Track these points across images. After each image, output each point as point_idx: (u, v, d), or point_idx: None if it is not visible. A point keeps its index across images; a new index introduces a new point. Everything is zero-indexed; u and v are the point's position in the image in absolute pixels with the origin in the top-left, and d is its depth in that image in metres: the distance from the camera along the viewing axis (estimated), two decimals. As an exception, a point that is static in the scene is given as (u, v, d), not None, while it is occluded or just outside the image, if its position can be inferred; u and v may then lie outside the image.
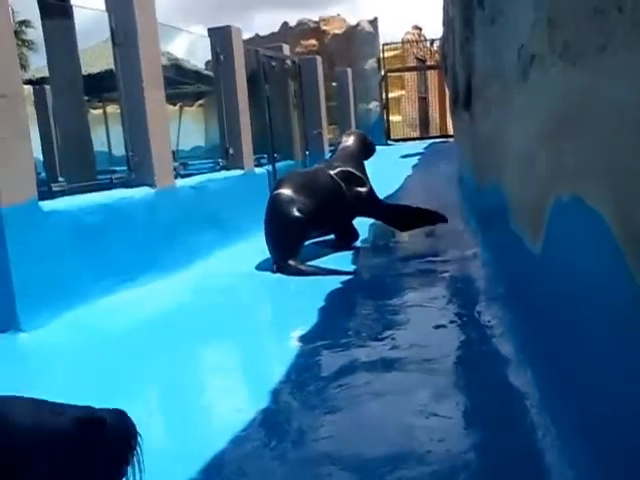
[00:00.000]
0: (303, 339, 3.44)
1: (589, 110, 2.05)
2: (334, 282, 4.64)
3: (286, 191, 5.52)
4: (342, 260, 5.39)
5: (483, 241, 5.26)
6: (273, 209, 5.50)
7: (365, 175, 6.22)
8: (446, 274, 4.72)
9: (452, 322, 3.58)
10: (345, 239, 6.08)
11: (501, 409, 2.46)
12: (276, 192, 5.55)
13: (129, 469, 1.14)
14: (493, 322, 3.43)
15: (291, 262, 5.19)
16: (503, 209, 3.95)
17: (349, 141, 6.44)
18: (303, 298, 4.38)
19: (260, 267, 5.35)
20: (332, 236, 6.10)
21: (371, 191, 6.12)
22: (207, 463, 2.21)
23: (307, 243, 5.74)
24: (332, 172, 5.92)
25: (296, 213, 5.41)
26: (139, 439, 1.16)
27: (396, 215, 6.15)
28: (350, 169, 6.02)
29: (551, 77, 2.62)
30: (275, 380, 2.90)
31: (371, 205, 6.06)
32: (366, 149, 6.54)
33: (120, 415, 1.17)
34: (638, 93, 1.59)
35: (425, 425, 2.36)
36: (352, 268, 5.10)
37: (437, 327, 3.50)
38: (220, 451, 2.28)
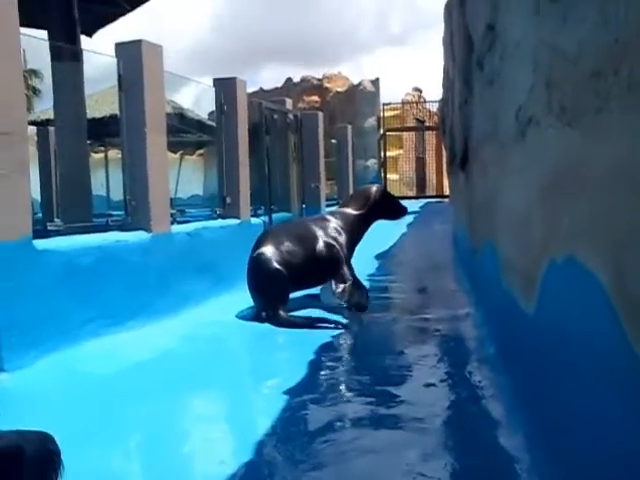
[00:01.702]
0: (290, 392, 3.37)
1: (584, 171, 2.08)
2: (324, 336, 4.59)
3: (266, 249, 5.45)
4: (333, 314, 5.35)
5: (476, 301, 5.25)
6: (254, 269, 5.45)
7: (352, 237, 5.92)
8: (437, 333, 4.68)
9: (442, 381, 3.52)
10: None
11: (490, 472, 2.40)
12: (257, 252, 5.47)
13: None
14: (484, 382, 3.38)
15: (281, 313, 5.13)
16: (497, 269, 3.96)
17: (357, 194, 6.40)
18: (292, 350, 4.33)
19: (251, 317, 5.30)
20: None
21: (339, 254, 5.72)
22: (185, 516, 2.13)
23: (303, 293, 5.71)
24: (317, 225, 5.82)
25: (277, 266, 5.33)
26: (61, 468, 1.10)
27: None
28: (335, 224, 5.86)
29: (547, 138, 2.67)
30: (260, 433, 2.83)
31: (336, 267, 5.68)
32: (378, 206, 6.16)
33: (45, 439, 1.10)
34: (632, 154, 1.62)
35: (412, 486, 2.29)
36: (343, 322, 5.06)
37: (427, 386, 3.44)
38: (199, 504, 2.20)
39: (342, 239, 5.81)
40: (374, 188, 6.58)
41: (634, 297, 1.59)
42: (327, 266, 5.63)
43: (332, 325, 4.92)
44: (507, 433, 2.68)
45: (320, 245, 5.64)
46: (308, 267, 5.52)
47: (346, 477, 2.42)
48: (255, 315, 5.27)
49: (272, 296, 5.29)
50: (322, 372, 3.81)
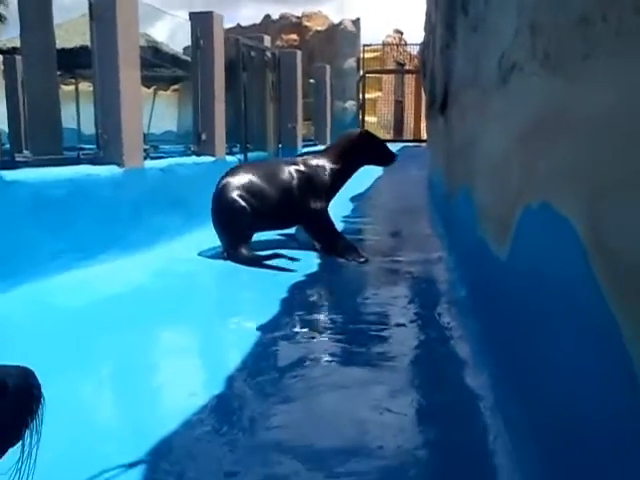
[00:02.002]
0: (262, 329, 3.40)
1: (565, 118, 2.07)
2: (298, 275, 4.61)
3: (231, 181, 5.34)
4: (305, 253, 5.36)
5: (449, 245, 5.30)
6: (216, 202, 5.35)
7: (334, 185, 5.67)
8: (409, 275, 4.74)
9: (412, 322, 3.59)
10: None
11: (455, 409, 2.47)
12: (220, 184, 5.37)
13: (27, 432, 1.07)
14: (453, 324, 3.46)
15: (242, 251, 5.07)
16: (471, 214, 3.98)
17: (341, 138, 6.01)
18: (265, 289, 4.35)
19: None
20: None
21: (322, 210, 5.54)
22: (156, 445, 2.16)
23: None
24: (293, 169, 5.56)
25: (239, 201, 5.23)
26: (42, 401, 1.09)
27: (335, 246, 5.41)
28: (315, 173, 5.57)
29: (530, 85, 2.64)
30: (231, 367, 2.86)
31: (315, 224, 5.54)
32: (362, 152, 5.82)
33: (24, 373, 1.10)
34: (618, 102, 1.61)
35: (378, 420, 2.35)
36: (315, 262, 5.08)
37: (397, 325, 3.50)
38: (170, 434, 2.24)
39: (320, 183, 5.58)
40: (359, 132, 6.26)
41: (607, 245, 1.61)
42: (300, 210, 5.49)
43: (294, 267, 4.82)
44: (473, 373, 2.76)
45: (294, 187, 5.47)
46: (279, 207, 5.40)
47: (315, 411, 2.47)
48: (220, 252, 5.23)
49: (233, 232, 5.22)
50: (294, 310, 3.85)
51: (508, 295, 2.77)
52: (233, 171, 5.55)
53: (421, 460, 2.09)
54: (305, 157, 5.94)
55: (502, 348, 2.74)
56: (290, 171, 5.55)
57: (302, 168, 5.62)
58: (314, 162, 5.69)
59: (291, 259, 4.99)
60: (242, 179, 5.38)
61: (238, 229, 5.23)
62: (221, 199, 5.32)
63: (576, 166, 1.91)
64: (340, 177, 5.75)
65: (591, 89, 1.83)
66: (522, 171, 2.63)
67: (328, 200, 5.69)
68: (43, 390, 2.31)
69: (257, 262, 4.96)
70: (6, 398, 1.04)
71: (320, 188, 5.59)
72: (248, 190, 5.31)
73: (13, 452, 1.08)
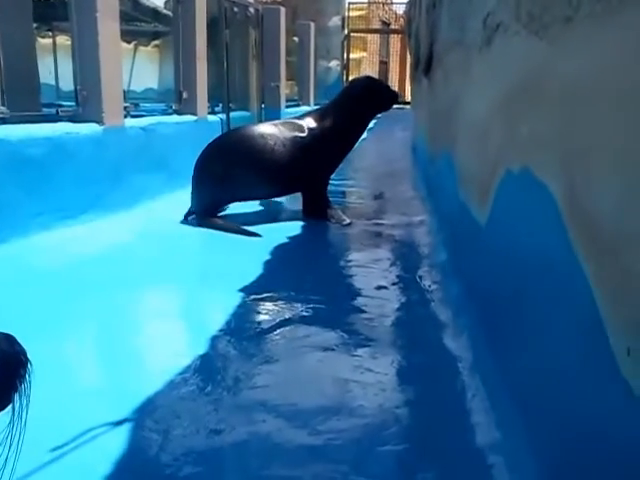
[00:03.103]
0: (244, 290, 3.42)
1: (546, 82, 2.07)
2: (281, 237, 4.62)
3: (219, 143, 5.20)
4: (284, 218, 5.36)
5: (431, 209, 5.33)
6: (200, 155, 5.17)
7: (344, 149, 5.30)
8: (391, 238, 4.77)
9: (394, 284, 3.63)
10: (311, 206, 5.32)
11: (435, 369, 2.53)
12: (209, 144, 5.20)
13: (16, 396, 1.09)
14: (434, 287, 3.51)
15: (208, 216, 4.95)
16: (453, 178, 4.00)
17: (345, 91, 5.48)
18: (247, 251, 4.35)
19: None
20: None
21: (325, 179, 5.33)
22: (140, 404, 2.19)
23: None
24: (297, 132, 5.11)
25: (214, 166, 5.01)
26: (29, 366, 1.12)
27: (321, 209, 5.26)
28: (324, 137, 5.11)
29: (513, 47, 2.63)
30: (214, 328, 2.89)
31: (313, 192, 5.30)
32: (376, 100, 5.32)
33: (9, 340, 1.11)
34: (597, 66, 1.61)
35: (360, 380, 2.40)
36: (297, 226, 5.08)
37: (378, 288, 3.54)
38: (154, 393, 2.27)
39: (328, 148, 5.16)
40: (366, 80, 5.69)
41: (583, 211, 1.64)
42: (301, 178, 5.18)
43: (252, 233, 4.70)
44: (453, 334, 2.82)
45: (298, 153, 5.05)
46: (268, 176, 5.06)
47: (297, 371, 2.51)
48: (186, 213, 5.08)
49: (201, 197, 5.05)
50: (277, 272, 3.87)
51: (488, 258, 2.82)
52: (225, 134, 5.45)
53: (401, 418, 2.14)
54: (309, 116, 5.36)
55: (481, 310, 2.79)
56: (294, 135, 5.11)
57: (308, 131, 5.14)
58: (321, 124, 5.19)
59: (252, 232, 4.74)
60: (230, 142, 5.22)
61: (207, 194, 5.03)
62: (199, 160, 5.17)
63: (555, 131, 1.93)
64: (352, 138, 5.38)
65: (573, 53, 1.83)
66: (503, 135, 2.64)
67: (336, 167, 5.43)
68: (27, 349, 2.32)
69: (221, 227, 4.83)
70: None
71: (328, 154, 5.22)
72: (233, 155, 5.05)
73: (3, 416, 1.10)
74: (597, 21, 1.61)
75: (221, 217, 5.11)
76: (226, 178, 4.98)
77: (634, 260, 1.34)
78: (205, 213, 4.99)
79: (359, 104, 5.24)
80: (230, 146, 5.19)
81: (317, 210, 5.28)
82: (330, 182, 5.53)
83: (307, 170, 5.17)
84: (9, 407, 1.09)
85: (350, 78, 18.90)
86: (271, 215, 5.45)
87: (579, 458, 1.57)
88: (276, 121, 5.60)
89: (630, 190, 1.37)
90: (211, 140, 5.34)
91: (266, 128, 5.26)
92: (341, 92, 5.59)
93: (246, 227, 4.81)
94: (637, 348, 1.31)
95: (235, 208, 5.34)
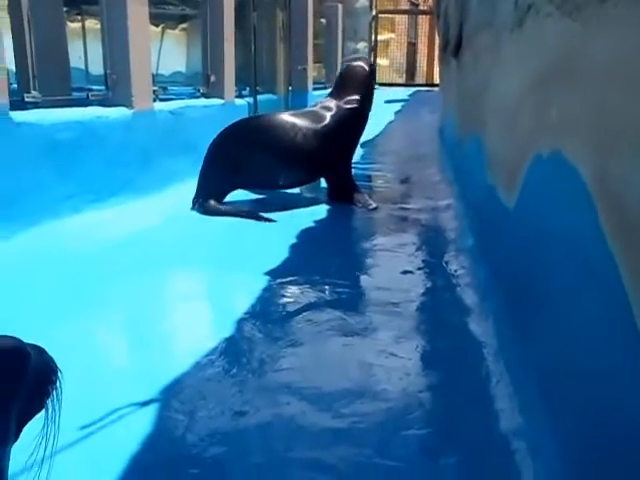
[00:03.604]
0: (271, 274, 3.45)
1: (579, 64, 2.03)
2: (307, 221, 4.63)
3: (232, 129, 5.08)
4: (310, 202, 5.36)
5: (459, 193, 5.28)
6: (213, 140, 5.11)
7: (361, 129, 5.41)
8: (418, 222, 4.75)
9: (419, 269, 3.62)
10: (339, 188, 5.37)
11: (459, 354, 2.52)
12: (225, 130, 5.11)
13: (49, 403, 1.16)
14: (460, 272, 3.48)
15: (211, 202, 4.89)
16: (481, 162, 3.96)
17: (356, 70, 5.44)
18: (275, 235, 4.37)
19: (233, 199, 5.31)
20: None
21: (349, 162, 5.37)
22: (166, 385, 2.23)
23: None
24: (318, 122, 5.13)
25: (223, 153, 4.97)
26: (59, 375, 1.18)
27: (347, 193, 5.29)
28: (342, 120, 5.17)
29: (545, 28, 2.57)
30: (240, 311, 2.92)
31: (339, 176, 5.33)
32: (373, 79, 5.68)
33: (38, 350, 1.18)
34: (631, 48, 1.57)
35: (384, 364, 2.41)
36: (324, 209, 5.08)
37: (404, 272, 3.53)
38: (180, 375, 2.30)
39: (342, 133, 5.20)
40: (364, 64, 5.61)
41: (614, 195, 1.61)
42: (323, 165, 5.22)
43: (265, 217, 4.70)
44: (478, 319, 2.80)
45: (316, 140, 5.07)
46: (287, 164, 5.05)
47: (321, 354, 2.53)
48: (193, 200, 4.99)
49: (206, 183, 4.97)
50: (302, 256, 3.88)
51: (515, 243, 2.79)
52: (242, 121, 5.31)
53: (424, 403, 2.15)
54: (325, 103, 5.39)
55: (507, 296, 2.77)
56: (314, 123, 5.12)
57: (330, 117, 5.17)
58: (340, 108, 5.24)
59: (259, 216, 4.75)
60: (245, 129, 5.12)
61: (211, 180, 4.97)
62: (212, 146, 5.09)
63: (588, 114, 1.89)
64: (366, 118, 5.47)
65: (607, 34, 1.79)
66: (533, 118, 2.60)
67: (355, 148, 5.53)
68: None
69: (226, 213, 4.81)
70: (28, 369, 1.12)
71: (348, 136, 5.29)
72: (250, 141, 5.00)
73: (38, 420, 1.16)
74: (632, 1, 1.57)
75: (228, 204, 5.05)
76: (240, 165, 4.93)
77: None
78: (210, 199, 4.91)
79: (369, 85, 5.50)
80: (247, 133, 5.11)
81: (344, 193, 5.30)
82: (356, 166, 5.53)
83: (331, 155, 5.19)
84: (43, 412, 1.15)
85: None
86: (284, 201, 5.41)
87: (603, 445, 1.55)
88: (293, 111, 5.63)
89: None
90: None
91: (284, 116, 5.27)
92: (347, 75, 5.54)
93: (262, 213, 4.79)
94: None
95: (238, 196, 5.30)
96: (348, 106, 5.29)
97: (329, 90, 5.79)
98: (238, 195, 5.26)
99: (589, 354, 1.73)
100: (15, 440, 1.10)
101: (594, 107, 1.83)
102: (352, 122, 5.32)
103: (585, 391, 1.72)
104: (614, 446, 1.49)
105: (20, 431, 1.11)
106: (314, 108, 5.43)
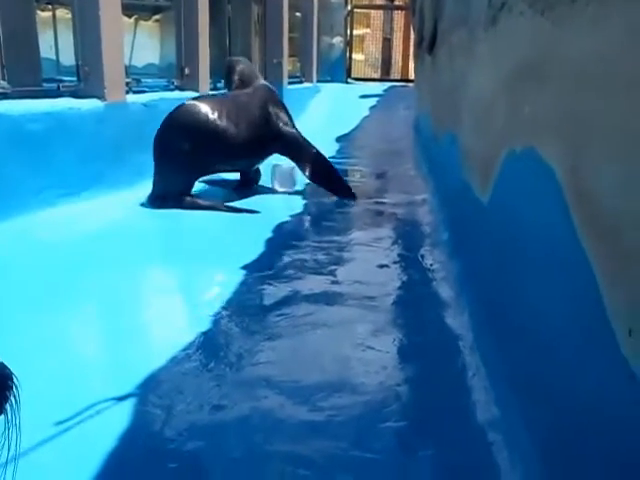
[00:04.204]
0: (246, 268, 3.44)
1: (551, 62, 2.06)
2: (283, 216, 4.63)
3: (179, 116, 4.91)
4: (286, 198, 5.35)
5: (434, 188, 5.32)
6: (161, 131, 4.90)
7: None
8: (393, 217, 4.78)
9: (395, 263, 3.64)
10: (249, 178, 5.62)
11: (435, 348, 2.55)
12: (166, 119, 4.93)
13: (7, 407, 1.17)
14: (435, 266, 3.52)
15: (185, 197, 4.81)
16: (456, 157, 3.99)
17: (243, 68, 5.74)
18: (249, 229, 4.36)
19: (207, 193, 5.27)
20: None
21: (298, 131, 5.53)
22: (143, 380, 2.22)
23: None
24: (253, 96, 5.31)
25: (187, 139, 4.78)
26: (15, 379, 1.18)
27: (320, 166, 5.39)
28: (276, 97, 5.51)
29: (518, 27, 2.61)
30: (217, 305, 2.91)
31: (299, 145, 5.39)
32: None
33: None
34: (602, 47, 1.60)
35: (361, 358, 2.43)
36: (299, 203, 5.08)
37: (380, 267, 3.56)
38: (157, 369, 2.29)
39: (282, 105, 5.51)
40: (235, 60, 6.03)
41: (586, 191, 1.64)
42: (272, 138, 5.27)
43: (246, 210, 4.72)
44: (453, 313, 2.83)
45: (259, 115, 5.24)
46: (243, 141, 5.03)
47: (299, 348, 2.54)
48: (149, 197, 4.79)
49: (173, 176, 4.78)
50: (278, 250, 3.88)
51: (489, 238, 2.82)
52: (181, 106, 5.06)
53: (401, 396, 2.17)
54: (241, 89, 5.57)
55: (482, 290, 2.80)
56: (249, 100, 5.31)
57: (261, 94, 5.42)
58: (263, 85, 5.57)
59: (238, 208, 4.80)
60: (192, 114, 4.95)
61: (181, 171, 4.80)
62: (161, 138, 4.90)
63: (560, 111, 1.92)
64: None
65: (579, 33, 1.81)
66: (507, 115, 2.63)
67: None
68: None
69: (200, 206, 4.76)
70: None
71: (285, 110, 5.49)
72: (198, 126, 4.89)
73: None
74: (603, 1, 1.60)
75: (197, 196, 4.98)
76: (197, 152, 4.80)
77: (636, 242, 1.34)
78: (180, 194, 4.80)
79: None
80: (194, 119, 4.94)
81: (322, 175, 5.35)
82: (331, 160, 5.55)
83: (279, 127, 5.34)
84: (1, 417, 1.16)
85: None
86: (258, 195, 5.41)
87: (578, 438, 1.59)
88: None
89: (633, 172, 1.37)
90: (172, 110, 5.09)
91: (221, 98, 5.47)
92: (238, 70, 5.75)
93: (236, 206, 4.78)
94: (639, 329, 1.32)
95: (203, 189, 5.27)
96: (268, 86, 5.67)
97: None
98: (214, 191, 5.24)
99: (562, 347, 1.76)
100: None
101: (566, 104, 1.86)
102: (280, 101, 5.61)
103: (558, 383, 1.75)
104: (589, 439, 1.53)
105: None
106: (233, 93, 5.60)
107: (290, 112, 5.60)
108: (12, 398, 1.16)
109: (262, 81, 5.77)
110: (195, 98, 5.33)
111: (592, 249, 1.57)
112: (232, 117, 5.01)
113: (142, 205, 4.76)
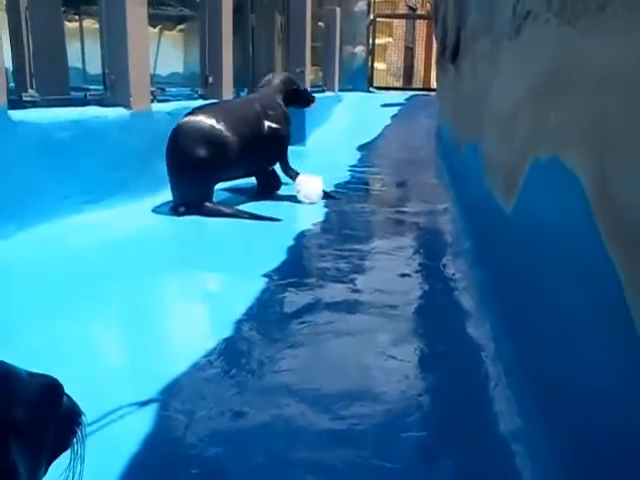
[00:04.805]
0: (269, 276, 3.45)
1: (577, 71, 2.05)
2: (304, 224, 4.65)
3: (191, 123, 4.92)
4: (307, 206, 5.37)
5: (455, 197, 5.30)
6: (174, 141, 4.88)
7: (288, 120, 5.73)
8: (415, 225, 4.77)
9: (417, 272, 3.63)
10: (267, 185, 5.71)
11: (457, 357, 2.54)
12: (179, 125, 4.92)
13: (75, 442, 1.21)
14: (457, 275, 3.50)
15: (206, 204, 4.85)
16: (479, 166, 3.98)
17: (275, 80, 5.92)
18: (273, 236, 4.38)
19: (228, 200, 5.31)
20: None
21: (287, 137, 5.66)
22: (165, 386, 2.23)
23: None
24: (258, 104, 5.45)
25: (202, 147, 4.83)
26: (84, 416, 1.24)
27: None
28: (279, 103, 5.63)
29: (543, 35, 2.60)
30: (239, 312, 2.92)
31: (281, 151, 5.62)
32: (293, 94, 5.93)
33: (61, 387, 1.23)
34: (629, 56, 1.59)
35: (383, 366, 2.42)
36: (321, 212, 5.09)
37: (402, 275, 3.55)
38: (179, 375, 2.31)
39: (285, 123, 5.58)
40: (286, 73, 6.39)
41: (613, 202, 1.63)
42: (267, 145, 5.38)
43: (268, 217, 4.77)
44: (475, 323, 2.81)
45: (265, 127, 5.37)
46: (248, 147, 5.14)
47: (321, 356, 2.54)
48: (173, 207, 4.85)
49: (194, 183, 4.82)
50: (300, 258, 3.90)
51: (512, 247, 2.80)
52: (191, 113, 5.05)
53: (423, 405, 2.16)
54: (260, 93, 5.85)
55: (504, 299, 2.78)
56: (254, 105, 5.43)
57: (267, 100, 5.56)
58: (272, 95, 5.68)
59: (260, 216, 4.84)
60: (202, 119, 4.95)
61: (203, 177, 4.86)
62: (178, 146, 4.87)
63: (586, 120, 1.91)
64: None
65: (605, 42, 1.80)
66: (532, 124, 2.62)
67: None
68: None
69: (224, 213, 4.82)
70: (62, 407, 1.19)
71: (284, 117, 5.60)
72: (210, 133, 4.91)
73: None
74: (631, 9, 1.59)
75: (219, 204, 5.01)
76: (212, 159, 4.86)
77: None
78: (202, 201, 4.84)
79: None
80: (207, 125, 4.96)
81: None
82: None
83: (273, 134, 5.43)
84: (69, 450, 1.22)
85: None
86: (280, 203, 5.44)
87: (601, 448, 1.57)
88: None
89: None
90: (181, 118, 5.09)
91: (234, 102, 5.80)
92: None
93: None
94: (664, 341, 1.30)
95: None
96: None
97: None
98: (234, 198, 5.26)
99: (586, 357, 1.74)
100: (44, 475, 1.15)
101: (592, 114, 1.85)
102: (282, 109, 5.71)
103: (583, 394, 1.73)
104: (611, 448, 1.51)
105: (48, 467, 1.16)
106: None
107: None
108: (80, 434, 1.21)
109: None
110: (200, 107, 5.33)
111: (618, 259, 1.56)
112: (234, 121, 5.11)
113: (165, 213, 4.81)
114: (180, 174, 4.89)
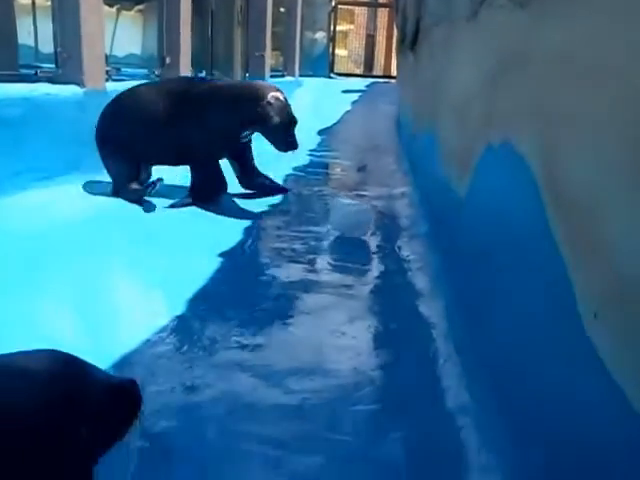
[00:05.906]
0: (224, 255, 3.43)
1: (528, 57, 2.08)
2: (263, 205, 4.62)
3: (116, 105, 4.56)
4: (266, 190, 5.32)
5: (413, 182, 5.36)
6: (97, 128, 4.59)
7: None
8: (373, 209, 4.78)
9: (373, 253, 3.66)
10: (201, 187, 4.62)
11: (409, 335, 2.57)
12: (105, 108, 4.60)
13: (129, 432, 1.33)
14: (413, 257, 3.54)
15: (133, 186, 4.51)
16: (436, 152, 4.02)
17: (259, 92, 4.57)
18: (228, 219, 4.33)
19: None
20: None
21: (210, 145, 4.60)
22: (116, 362, 2.20)
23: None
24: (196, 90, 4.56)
25: (122, 131, 4.46)
26: (142, 409, 1.36)
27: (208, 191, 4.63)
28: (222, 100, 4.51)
29: (497, 20, 2.63)
30: (192, 291, 2.90)
31: (201, 157, 4.63)
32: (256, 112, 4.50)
33: (134, 384, 1.38)
34: (579, 40, 1.63)
35: (335, 344, 2.44)
36: (279, 196, 5.08)
37: (358, 257, 3.57)
38: (130, 351, 2.28)
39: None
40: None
41: (561, 185, 1.67)
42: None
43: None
44: (429, 302, 2.86)
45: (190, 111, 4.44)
46: (177, 132, 4.47)
47: (274, 333, 2.54)
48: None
49: (116, 166, 4.52)
50: (256, 239, 3.88)
51: (467, 230, 2.85)
52: (120, 94, 4.67)
53: (374, 380, 2.18)
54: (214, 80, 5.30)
55: (458, 280, 2.83)
56: (190, 88, 4.64)
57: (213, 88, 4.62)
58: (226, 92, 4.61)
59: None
60: (129, 101, 4.58)
61: (123, 160, 4.51)
62: (101, 128, 4.58)
63: (536, 105, 1.94)
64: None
65: (556, 27, 1.84)
66: (484, 109, 2.66)
67: None
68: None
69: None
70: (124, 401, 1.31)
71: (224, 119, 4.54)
72: (135, 115, 4.52)
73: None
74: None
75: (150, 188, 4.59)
76: (130, 139, 4.49)
77: (603, 229, 1.37)
78: (127, 183, 4.53)
79: None
80: (123, 106, 4.59)
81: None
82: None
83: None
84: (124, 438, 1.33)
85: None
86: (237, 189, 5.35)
87: (545, 419, 1.61)
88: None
89: (601, 165, 1.40)
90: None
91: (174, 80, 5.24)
92: None
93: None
94: (603, 311, 1.35)
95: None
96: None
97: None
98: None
99: (533, 335, 1.79)
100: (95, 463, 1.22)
101: (542, 99, 1.89)
102: None
103: (528, 368, 1.78)
104: (556, 419, 1.55)
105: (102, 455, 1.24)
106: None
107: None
108: (136, 426, 1.32)
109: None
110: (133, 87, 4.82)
111: (565, 241, 1.60)
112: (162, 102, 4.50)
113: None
114: (102, 154, 4.62)
